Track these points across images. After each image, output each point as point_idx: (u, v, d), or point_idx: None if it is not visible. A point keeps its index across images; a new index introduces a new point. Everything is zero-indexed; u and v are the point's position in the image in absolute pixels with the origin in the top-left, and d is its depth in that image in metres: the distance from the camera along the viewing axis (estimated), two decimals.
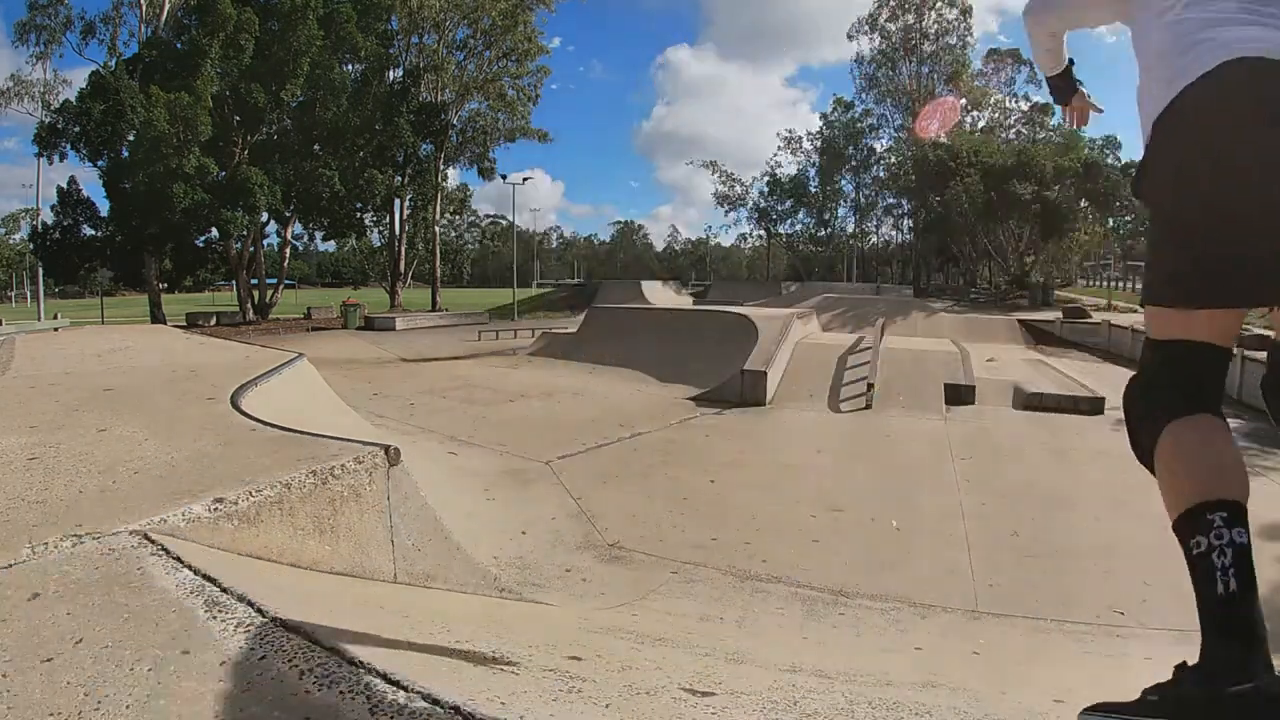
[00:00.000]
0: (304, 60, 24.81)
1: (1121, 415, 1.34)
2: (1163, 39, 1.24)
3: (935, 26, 42.38)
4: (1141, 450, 1.22)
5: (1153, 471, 1.18)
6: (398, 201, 32.44)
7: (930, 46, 42.74)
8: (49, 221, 26.17)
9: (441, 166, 34.78)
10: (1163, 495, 1.13)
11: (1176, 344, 1.19)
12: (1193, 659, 1.02)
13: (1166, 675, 1.05)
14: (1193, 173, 1.15)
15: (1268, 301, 1.17)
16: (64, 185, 25.59)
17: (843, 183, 48.95)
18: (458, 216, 52.08)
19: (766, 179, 50.13)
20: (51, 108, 26.61)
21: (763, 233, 52.66)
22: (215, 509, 2.00)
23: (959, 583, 4.31)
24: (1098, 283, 38.73)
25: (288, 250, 34.58)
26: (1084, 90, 1.83)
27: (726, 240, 79.61)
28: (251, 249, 28.39)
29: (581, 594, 3.91)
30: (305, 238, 39.82)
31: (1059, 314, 22.91)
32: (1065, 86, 1.81)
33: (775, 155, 53.62)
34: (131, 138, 22.82)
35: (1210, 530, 1.01)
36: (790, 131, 52.27)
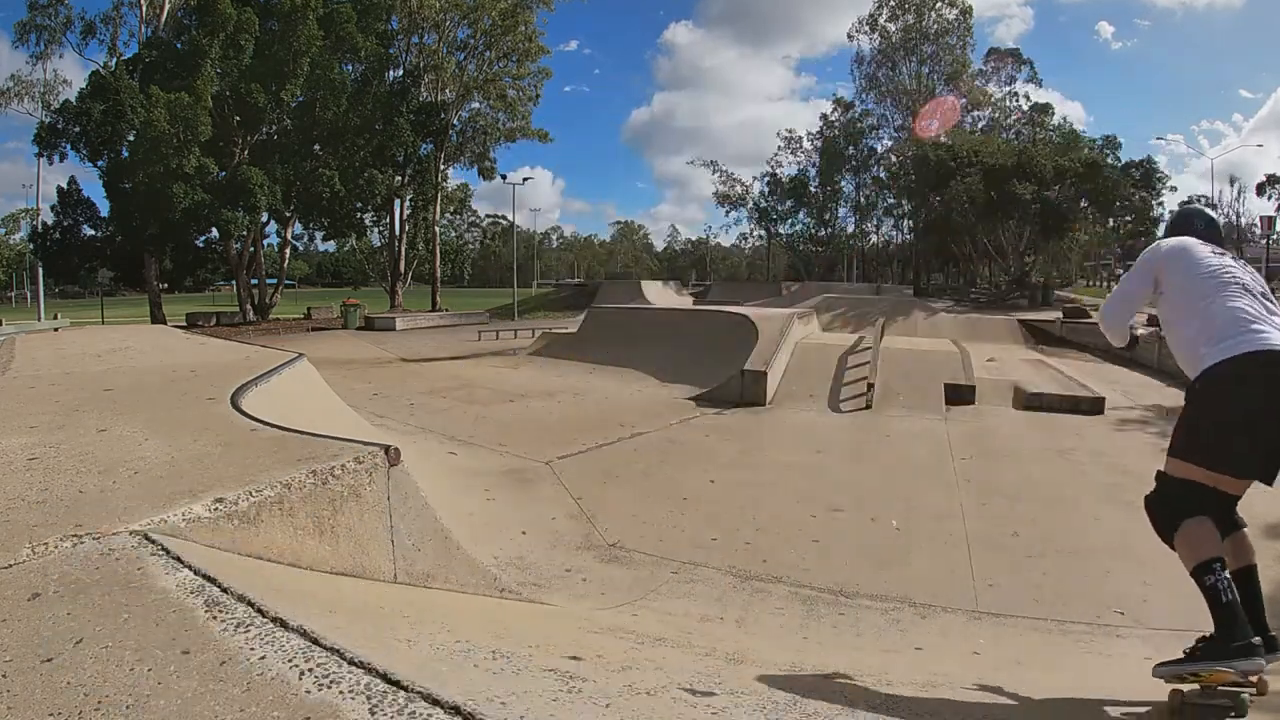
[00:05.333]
0: (304, 60, 24.81)
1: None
2: (1217, 317, 2.11)
3: (935, 26, 42.36)
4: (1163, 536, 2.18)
5: (1172, 547, 2.13)
6: (398, 201, 32.42)
7: (930, 47, 42.73)
8: (49, 221, 26.21)
9: (441, 166, 34.77)
10: (1182, 557, 2.09)
11: (1190, 483, 2.09)
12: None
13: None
14: (1247, 390, 2.01)
15: (1255, 478, 2.09)
16: (64, 185, 25.67)
17: (843, 183, 48.94)
18: (458, 216, 52.15)
19: (767, 179, 50.15)
20: (51, 108, 26.61)
21: (763, 233, 52.66)
22: (215, 509, 2.00)
23: (959, 583, 4.31)
24: (1098, 283, 38.75)
25: (288, 250, 34.58)
26: (1138, 334, 2.56)
27: (726, 240, 79.51)
28: (251, 249, 28.40)
29: (581, 594, 3.91)
30: (305, 238, 39.86)
31: (1059, 314, 22.88)
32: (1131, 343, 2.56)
33: (776, 155, 53.50)
34: (131, 138, 22.82)
35: (1215, 573, 1.96)
36: (790, 132, 52.10)
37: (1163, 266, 2.31)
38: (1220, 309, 2.08)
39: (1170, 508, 2.08)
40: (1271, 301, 2.14)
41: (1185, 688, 1.98)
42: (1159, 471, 2.19)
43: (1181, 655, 2.00)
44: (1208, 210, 2.69)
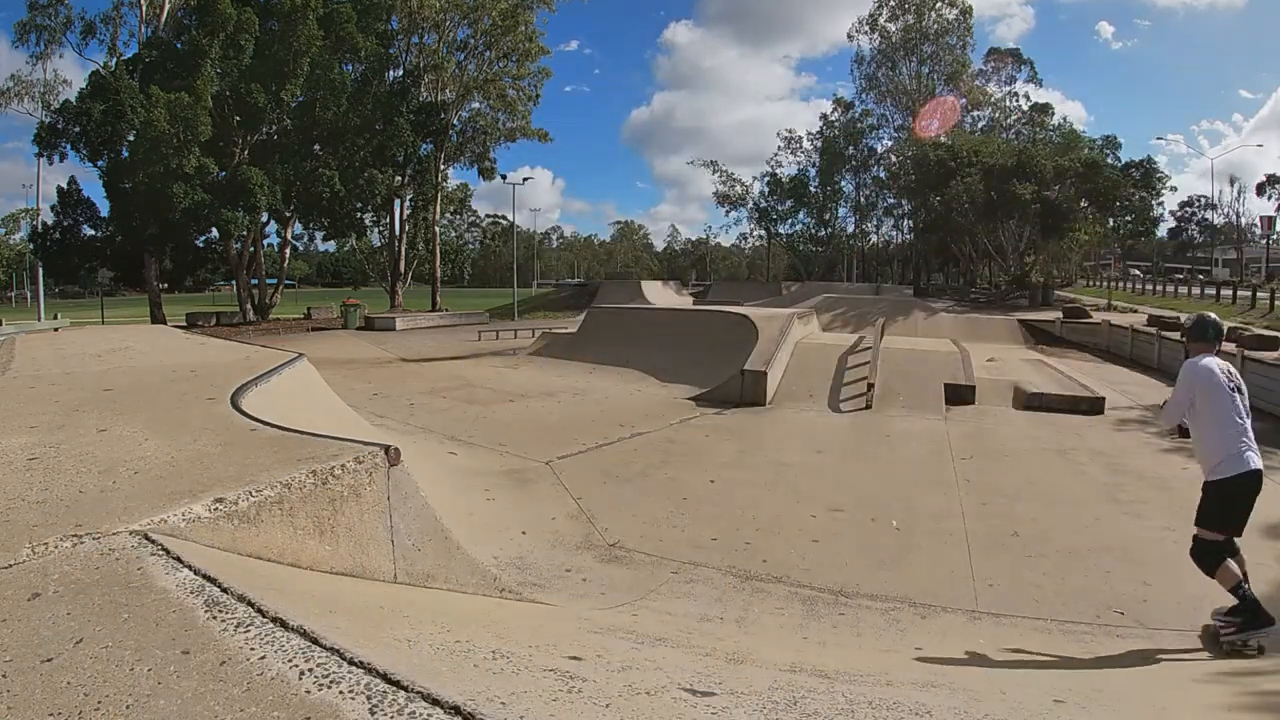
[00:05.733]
0: (304, 60, 24.78)
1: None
2: (1230, 446, 3.50)
3: (935, 26, 42.33)
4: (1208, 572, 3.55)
5: (1212, 578, 3.52)
6: (398, 201, 32.41)
7: (930, 46, 42.70)
8: (49, 221, 26.19)
9: (441, 166, 34.74)
10: (1221, 584, 3.50)
11: (1215, 540, 3.54)
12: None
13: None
14: (1238, 496, 3.50)
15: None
16: (64, 185, 25.65)
17: (843, 183, 48.88)
18: (458, 216, 52.10)
19: (767, 179, 50.10)
20: (51, 108, 26.59)
21: (763, 233, 52.60)
22: (215, 509, 2.00)
23: (959, 583, 4.31)
24: (1098, 282, 38.73)
25: (288, 250, 34.55)
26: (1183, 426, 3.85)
27: (727, 240, 79.42)
28: (251, 249, 28.38)
29: (582, 594, 3.91)
30: (305, 238, 39.91)
31: (1059, 314, 22.87)
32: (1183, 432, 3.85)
33: (776, 155, 53.33)
34: (131, 138, 22.80)
35: (1243, 587, 3.41)
36: (790, 131, 52.01)
37: (1197, 388, 3.58)
38: (1233, 438, 3.48)
39: (1209, 558, 3.51)
40: (1247, 421, 3.54)
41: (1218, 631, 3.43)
42: (1195, 535, 3.57)
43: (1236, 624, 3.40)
44: (1218, 320, 3.91)
